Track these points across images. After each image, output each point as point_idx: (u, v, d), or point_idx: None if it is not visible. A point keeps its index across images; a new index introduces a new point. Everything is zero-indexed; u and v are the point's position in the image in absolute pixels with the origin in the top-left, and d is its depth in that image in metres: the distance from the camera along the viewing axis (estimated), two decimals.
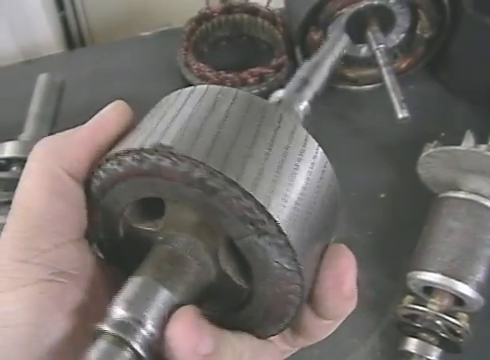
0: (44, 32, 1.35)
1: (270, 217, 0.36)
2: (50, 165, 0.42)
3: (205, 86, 0.42)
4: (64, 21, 1.40)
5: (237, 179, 0.36)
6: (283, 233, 0.37)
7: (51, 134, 0.99)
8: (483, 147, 0.90)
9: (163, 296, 0.38)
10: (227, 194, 0.36)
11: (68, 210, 0.42)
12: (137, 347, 0.36)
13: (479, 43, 1.11)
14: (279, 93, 0.56)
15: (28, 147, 0.97)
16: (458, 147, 0.90)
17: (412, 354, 0.87)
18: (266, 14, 1.23)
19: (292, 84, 0.57)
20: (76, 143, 0.43)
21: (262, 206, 0.36)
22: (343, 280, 0.41)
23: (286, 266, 0.38)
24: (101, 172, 0.41)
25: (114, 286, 0.41)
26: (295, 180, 0.38)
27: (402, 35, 1.17)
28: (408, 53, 1.19)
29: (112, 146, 0.42)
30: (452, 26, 1.13)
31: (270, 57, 1.18)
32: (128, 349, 0.36)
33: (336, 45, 0.63)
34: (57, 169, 0.42)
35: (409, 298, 0.88)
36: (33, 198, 0.41)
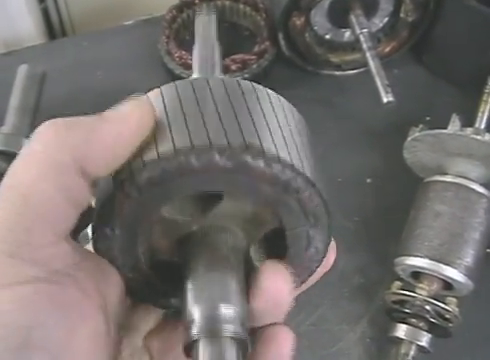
0: (25, 23, 1.33)
1: (329, 213, 0.41)
2: (61, 154, 0.37)
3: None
4: (45, 11, 1.38)
5: (315, 181, 0.39)
6: (331, 227, 0.42)
7: (32, 126, 0.99)
8: (469, 130, 0.90)
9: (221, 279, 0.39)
10: (307, 195, 0.39)
11: (69, 209, 0.38)
12: (238, 331, 0.37)
13: (463, 25, 1.11)
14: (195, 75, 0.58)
15: (9, 140, 0.97)
16: (444, 130, 0.90)
17: (402, 340, 0.87)
18: (248, 0, 1.22)
19: (202, 67, 0.60)
20: (98, 138, 0.38)
21: (326, 203, 0.40)
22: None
23: (320, 248, 0.43)
24: (162, 164, 0.37)
25: (103, 280, 0.41)
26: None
27: (386, 19, 1.16)
28: (392, 37, 1.18)
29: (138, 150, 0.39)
30: (436, 9, 1.12)
31: (253, 44, 1.17)
32: (228, 339, 0.37)
33: (211, 26, 0.67)
34: (68, 161, 0.37)
35: (397, 284, 0.88)
36: (35, 189, 0.37)
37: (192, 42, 1.22)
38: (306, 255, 0.43)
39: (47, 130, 0.39)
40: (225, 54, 1.13)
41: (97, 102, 1.15)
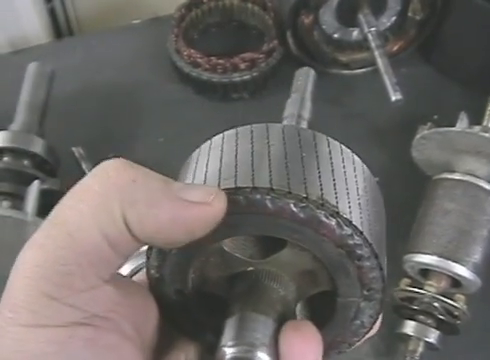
0: (32, 22, 1.34)
1: (385, 290, 0.40)
2: (118, 206, 0.36)
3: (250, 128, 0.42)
4: (52, 12, 1.39)
5: (379, 253, 0.39)
6: (382, 302, 0.40)
7: (42, 124, 0.99)
8: (477, 128, 0.90)
9: (264, 323, 0.39)
10: (368, 264, 0.38)
11: (114, 256, 0.37)
12: None
13: (471, 24, 1.11)
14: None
15: (19, 137, 0.97)
16: (452, 128, 0.90)
17: (410, 336, 0.87)
18: None
19: (288, 121, 0.63)
20: (159, 215, 0.37)
21: (385, 279, 0.39)
22: None
23: (366, 323, 0.41)
24: (237, 194, 0.38)
25: (142, 314, 0.41)
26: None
27: (393, 18, 1.16)
28: (400, 36, 1.19)
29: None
30: (443, 7, 1.13)
31: (261, 43, 1.17)
32: None
33: (308, 80, 0.68)
34: (119, 217, 0.37)
35: (406, 281, 0.88)
36: (84, 233, 0.36)
37: (201, 40, 1.24)
38: (350, 326, 0.42)
39: (114, 174, 0.38)
40: (233, 53, 1.14)
41: (105, 100, 1.16)
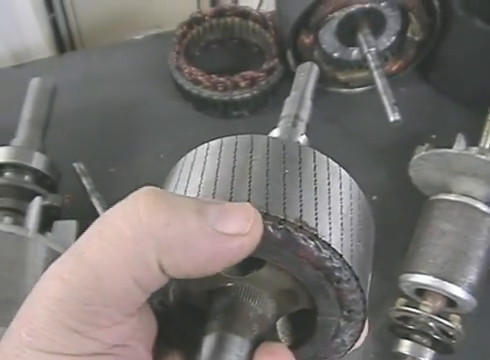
0: (34, 35, 1.34)
1: (366, 310, 0.40)
2: (149, 252, 0.35)
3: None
4: (54, 24, 1.39)
5: (360, 275, 0.38)
6: (364, 321, 0.40)
7: (43, 139, 0.99)
8: (474, 149, 0.91)
9: (240, 344, 0.39)
10: (347, 287, 0.38)
11: (140, 294, 0.37)
12: None
13: (469, 45, 1.12)
14: (275, 132, 0.59)
15: (21, 152, 0.98)
16: (449, 150, 0.91)
17: (405, 356, 0.87)
18: (257, 17, 1.23)
19: (285, 122, 0.60)
20: (193, 253, 0.36)
21: (365, 300, 0.39)
22: None
23: (347, 342, 0.42)
24: None
25: (149, 332, 0.41)
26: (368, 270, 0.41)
27: (393, 38, 1.18)
28: (399, 56, 1.20)
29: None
30: (442, 29, 1.14)
31: (261, 60, 1.18)
32: None
33: (310, 77, 0.66)
34: (153, 260, 0.36)
35: (402, 300, 0.89)
36: (115, 280, 0.36)
37: (202, 57, 1.25)
38: (331, 344, 0.42)
39: (147, 219, 0.36)
40: (234, 70, 1.15)
41: (106, 116, 1.17)
